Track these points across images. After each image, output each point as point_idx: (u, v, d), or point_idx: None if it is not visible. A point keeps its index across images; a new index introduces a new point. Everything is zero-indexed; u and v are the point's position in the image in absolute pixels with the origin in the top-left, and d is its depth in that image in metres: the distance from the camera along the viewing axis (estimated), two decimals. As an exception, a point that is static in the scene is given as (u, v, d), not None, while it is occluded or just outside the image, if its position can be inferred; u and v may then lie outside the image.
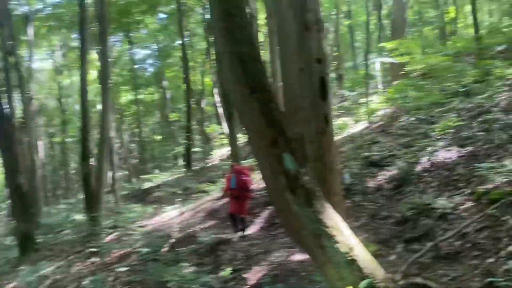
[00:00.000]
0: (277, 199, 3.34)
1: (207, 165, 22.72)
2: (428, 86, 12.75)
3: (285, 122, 3.34)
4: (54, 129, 33.80)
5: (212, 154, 25.58)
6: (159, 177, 22.62)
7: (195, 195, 14.85)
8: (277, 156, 3.26)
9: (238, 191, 8.54)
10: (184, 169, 22.31)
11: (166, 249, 9.06)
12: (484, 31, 18.87)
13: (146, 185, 22.57)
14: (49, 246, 13.13)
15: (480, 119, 8.06)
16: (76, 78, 28.30)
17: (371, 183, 8.02)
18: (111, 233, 12.39)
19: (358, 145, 10.24)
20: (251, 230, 8.72)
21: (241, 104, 3.38)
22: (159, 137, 34.68)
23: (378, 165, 8.66)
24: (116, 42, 34.24)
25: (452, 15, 25.44)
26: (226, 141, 25.37)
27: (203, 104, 32.48)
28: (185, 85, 33.49)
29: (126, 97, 36.81)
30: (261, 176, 3.72)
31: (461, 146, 7.39)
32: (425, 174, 7.09)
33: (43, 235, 13.49)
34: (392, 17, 18.95)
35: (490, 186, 5.42)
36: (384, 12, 28.01)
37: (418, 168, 7.42)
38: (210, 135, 29.48)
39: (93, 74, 24.17)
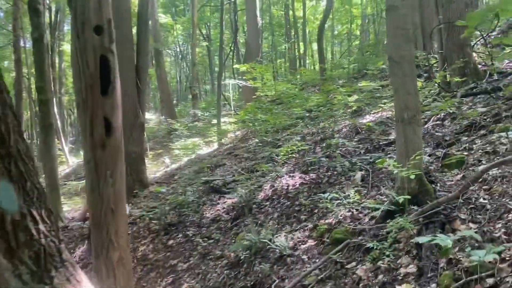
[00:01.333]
0: (-21, 268, 1.75)
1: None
2: (276, 110, 12.36)
3: (10, 124, 1.78)
4: None
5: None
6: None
7: None
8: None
9: None
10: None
11: None
12: (328, 66, 19.92)
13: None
14: None
15: (323, 145, 7.53)
16: None
17: (209, 213, 6.78)
18: None
19: (199, 168, 9.00)
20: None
21: None
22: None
23: (219, 191, 7.50)
24: None
25: (301, 50, 26.86)
26: (64, 158, 22.11)
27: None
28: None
29: None
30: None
31: (305, 172, 6.66)
32: (266, 203, 6.11)
33: None
34: (247, 42, 18.69)
35: (333, 220, 4.58)
36: (241, 40, 28.27)
37: (260, 196, 6.44)
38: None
39: None
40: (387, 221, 3.68)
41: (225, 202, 6.95)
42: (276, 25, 29.80)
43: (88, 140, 2.43)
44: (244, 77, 16.47)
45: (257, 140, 9.80)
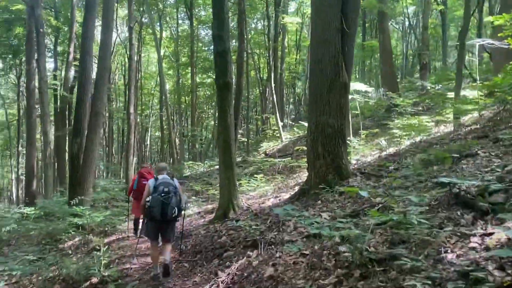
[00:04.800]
0: None
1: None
2: None
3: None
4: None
5: (262, 146, 21.49)
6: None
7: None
8: None
9: (136, 193, 7.80)
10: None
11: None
12: None
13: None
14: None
15: None
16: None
17: (454, 254, 3.21)
18: (73, 237, 8.72)
19: (434, 156, 5.29)
20: None
21: None
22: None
23: (472, 206, 3.78)
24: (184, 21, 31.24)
25: None
26: (278, 134, 21.12)
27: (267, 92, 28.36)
28: (254, 71, 29.60)
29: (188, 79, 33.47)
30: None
31: None
32: None
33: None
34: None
35: None
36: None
37: None
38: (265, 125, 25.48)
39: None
40: None
41: (489, 236, 3.24)
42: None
43: None
44: (499, 35, 11.36)
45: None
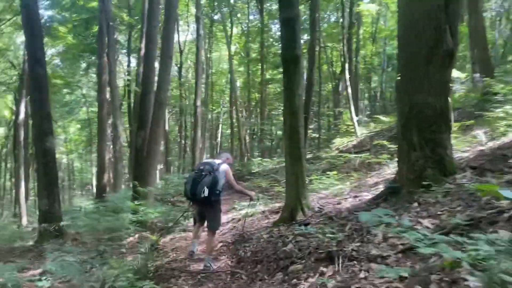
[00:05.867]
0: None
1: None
2: None
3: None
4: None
5: (334, 142, 20.00)
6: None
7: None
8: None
9: None
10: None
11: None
12: None
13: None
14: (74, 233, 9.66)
15: None
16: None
17: None
18: (132, 234, 8.14)
19: None
20: None
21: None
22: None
23: None
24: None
25: None
26: (352, 129, 19.49)
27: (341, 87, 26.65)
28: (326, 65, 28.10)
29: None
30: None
31: None
32: None
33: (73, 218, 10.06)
34: None
35: None
36: None
37: None
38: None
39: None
40: None
41: None
42: None
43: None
44: None
45: None
